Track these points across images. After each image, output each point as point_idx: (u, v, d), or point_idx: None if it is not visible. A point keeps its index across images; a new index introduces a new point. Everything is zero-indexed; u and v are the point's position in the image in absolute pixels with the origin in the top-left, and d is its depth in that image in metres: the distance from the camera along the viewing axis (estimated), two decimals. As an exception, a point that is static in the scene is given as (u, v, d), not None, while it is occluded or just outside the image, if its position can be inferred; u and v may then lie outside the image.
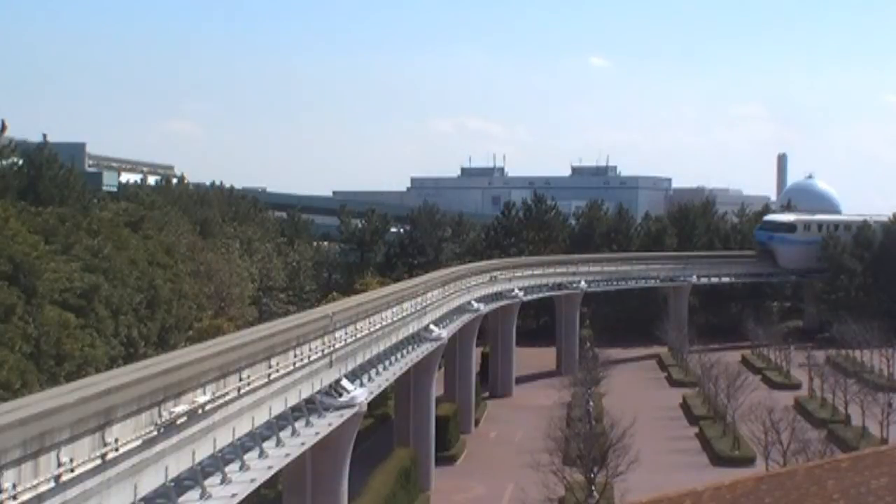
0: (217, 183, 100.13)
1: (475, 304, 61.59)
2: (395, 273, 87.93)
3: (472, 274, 63.36)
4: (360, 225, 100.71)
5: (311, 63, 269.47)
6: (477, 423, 63.55)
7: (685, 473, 47.06)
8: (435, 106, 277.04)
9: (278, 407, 27.79)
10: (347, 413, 32.66)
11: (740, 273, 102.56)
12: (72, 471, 16.98)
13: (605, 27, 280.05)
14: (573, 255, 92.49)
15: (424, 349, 47.51)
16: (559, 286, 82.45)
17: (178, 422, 20.88)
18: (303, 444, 29.15)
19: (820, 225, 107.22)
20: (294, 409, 29.45)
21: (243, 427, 25.18)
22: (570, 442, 43.19)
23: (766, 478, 14.92)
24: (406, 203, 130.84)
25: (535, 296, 78.77)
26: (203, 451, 22.58)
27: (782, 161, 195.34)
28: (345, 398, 32.98)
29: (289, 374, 28.58)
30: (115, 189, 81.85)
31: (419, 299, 47.18)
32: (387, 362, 41.77)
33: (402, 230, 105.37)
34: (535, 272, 79.50)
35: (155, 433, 19.97)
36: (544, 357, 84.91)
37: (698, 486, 14.44)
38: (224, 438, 23.86)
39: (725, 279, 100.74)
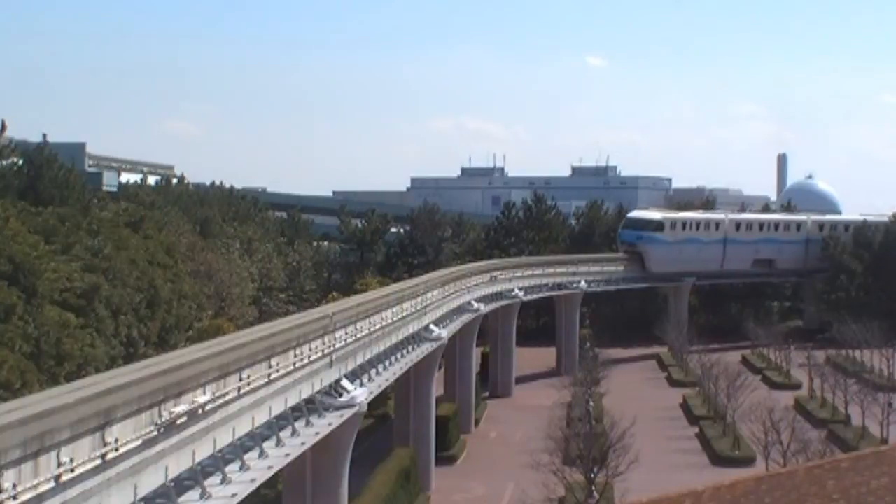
0: (217, 183, 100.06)
1: (475, 304, 61.54)
2: (395, 273, 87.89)
3: (472, 274, 63.31)
4: (360, 225, 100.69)
5: (311, 63, 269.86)
6: (477, 423, 63.52)
7: (685, 473, 47.04)
8: (435, 106, 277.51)
9: (278, 407, 27.78)
10: (347, 413, 32.66)
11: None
12: (72, 471, 16.96)
13: (602, 26, 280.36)
14: (573, 255, 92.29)
15: (424, 349, 47.48)
16: (559, 286, 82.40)
17: (178, 422, 20.86)
18: (303, 444, 29.15)
19: (685, 223, 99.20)
20: (294, 409, 29.43)
21: (243, 427, 25.17)
22: (570, 442, 43.17)
23: (766, 478, 14.92)
24: (406, 203, 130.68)
25: (535, 296, 78.71)
26: (203, 451, 22.57)
27: (782, 161, 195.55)
28: (345, 398, 32.98)
29: (289, 374, 28.56)
30: (115, 189, 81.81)
31: (419, 299, 47.14)
32: (387, 362, 41.74)
33: (402, 230, 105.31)
34: (535, 272, 79.45)
35: (155, 433, 19.96)
36: (544, 357, 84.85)
37: (698, 486, 14.44)
38: (224, 438, 23.86)
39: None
